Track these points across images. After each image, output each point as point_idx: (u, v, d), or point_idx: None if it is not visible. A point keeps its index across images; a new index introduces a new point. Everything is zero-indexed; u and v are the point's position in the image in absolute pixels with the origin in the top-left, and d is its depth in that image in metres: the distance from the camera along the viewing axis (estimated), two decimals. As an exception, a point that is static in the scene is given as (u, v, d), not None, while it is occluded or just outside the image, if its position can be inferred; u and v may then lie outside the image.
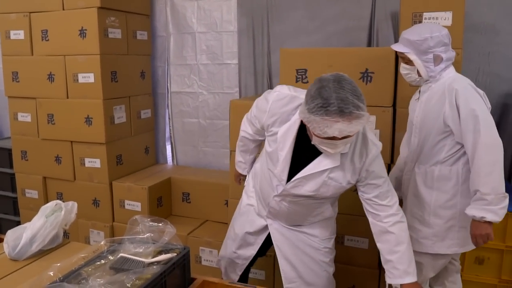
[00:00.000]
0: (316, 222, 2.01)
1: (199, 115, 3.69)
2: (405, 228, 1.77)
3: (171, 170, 3.69)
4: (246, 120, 2.10)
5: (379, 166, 1.75)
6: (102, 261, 1.81)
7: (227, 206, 2.95)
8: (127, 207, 3.29)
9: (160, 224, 1.90)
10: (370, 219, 1.82)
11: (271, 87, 3.43)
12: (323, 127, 1.48)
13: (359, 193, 1.82)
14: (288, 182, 1.78)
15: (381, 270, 2.62)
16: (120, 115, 3.39)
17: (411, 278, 1.73)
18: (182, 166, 3.79)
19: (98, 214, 3.42)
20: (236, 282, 1.98)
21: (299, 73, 2.55)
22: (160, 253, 1.88)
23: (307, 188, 1.77)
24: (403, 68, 2.05)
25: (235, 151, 2.73)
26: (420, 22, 2.37)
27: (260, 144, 2.16)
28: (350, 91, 1.48)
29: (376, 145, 1.73)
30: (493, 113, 2.93)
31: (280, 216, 1.98)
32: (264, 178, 1.97)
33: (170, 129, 3.84)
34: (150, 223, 1.89)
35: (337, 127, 1.46)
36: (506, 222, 2.42)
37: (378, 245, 1.80)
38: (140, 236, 1.89)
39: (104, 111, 3.22)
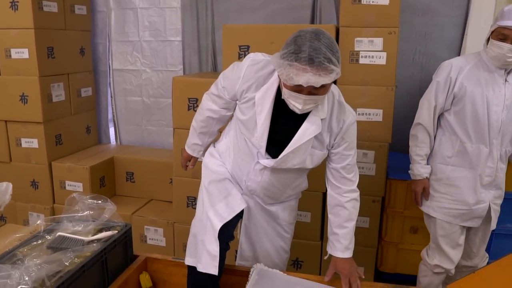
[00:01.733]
0: (290, 199, 1.98)
1: (143, 93, 3.61)
2: (358, 207, 1.82)
3: (114, 149, 3.60)
4: (208, 98, 1.94)
5: (354, 136, 1.76)
6: (39, 241, 1.76)
7: (172, 184, 2.93)
8: (68, 188, 3.19)
9: (100, 202, 1.86)
10: (329, 190, 1.83)
11: (215, 64, 3.40)
12: (290, 73, 1.44)
13: (327, 162, 1.81)
14: (277, 159, 1.72)
15: (322, 243, 2.71)
16: (58, 93, 3.25)
17: (349, 254, 1.81)
18: (126, 146, 3.71)
19: (38, 196, 3.29)
20: (179, 258, 1.98)
21: (241, 50, 2.55)
22: (100, 231, 1.85)
23: (294, 162, 1.73)
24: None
25: (179, 129, 2.71)
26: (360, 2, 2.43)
27: (221, 128, 2.02)
28: (325, 44, 1.44)
29: (352, 113, 1.73)
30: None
31: (258, 191, 1.86)
32: (240, 151, 1.84)
33: (112, 108, 3.73)
34: (89, 200, 1.85)
35: (305, 75, 1.42)
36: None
37: (330, 216, 1.84)
38: (79, 214, 1.85)
39: (41, 88, 3.07)
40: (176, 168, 2.79)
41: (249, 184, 1.85)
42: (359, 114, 2.49)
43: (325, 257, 1.90)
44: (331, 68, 1.44)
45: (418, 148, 2.20)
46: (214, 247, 1.75)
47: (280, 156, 1.71)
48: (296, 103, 1.53)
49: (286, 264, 2.06)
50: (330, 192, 1.83)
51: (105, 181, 3.28)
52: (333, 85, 1.66)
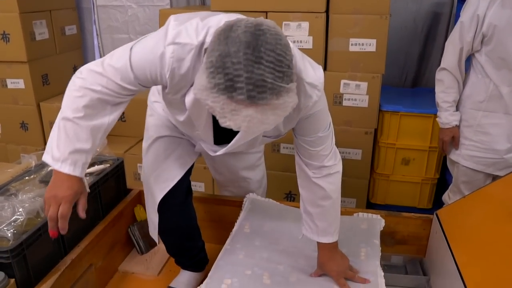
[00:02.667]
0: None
1: (129, 30, 3.49)
2: (336, 181, 1.43)
3: (103, 89, 3.52)
4: (100, 70, 1.22)
5: (320, 108, 1.30)
6: (32, 176, 1.75)
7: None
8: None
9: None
10: (297, 159, 1.44)
11: (203, -2, 3.28)
12: (225, 113, 0.98)
13: (294, 134, 1.41)
14: (218, 152, 1.43)
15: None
16: (41, 31, 3.12)
17: (330, 238, 1.45)
18: (115, 86, 3.63)
19: (28, 138, 3.25)
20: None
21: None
22: (92, 165, 1.84)
23: (243, 148, 1.51)
24: None
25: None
26: None
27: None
28: (270, 64, 0.96)
29: (316, 87, 1.23)
30: (423, 23, 3.03)
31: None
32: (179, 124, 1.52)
33: (99, 46, 3.62)
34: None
35: (246, 113, 0.97)
36: (432, 125, 2.56)
37: (301, 191, 1.47)
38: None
39: (22, 26, 2.95)
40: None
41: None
42: (351, 44, 2.43)
43: (300, 237, 1.57)
44: (280, 104, 0.98)
45: (445, 94, 2.05)
46: (154, 217, 1.61)
47: (220, 151, 1.41)
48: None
49: (264, 192, 1.99)
50: (298, 161, 1.44)
51: (96, 121, 3.24)
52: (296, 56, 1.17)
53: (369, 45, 2.42)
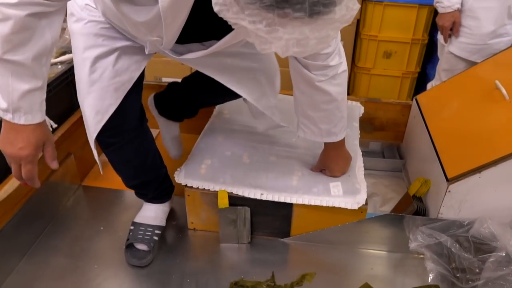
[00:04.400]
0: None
1: None
2: (343, 82, 1.22)
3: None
4: None
5: None
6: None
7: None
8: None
9: (58, 22, 1.73)
10: (292, 63, 1.20)
11: None
12: (268, 37, 0.73)
13: None
14: (188, 55, 1.14)
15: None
16: None
17: (335, 138, 1.32)
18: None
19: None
20: (148, 81, 1.90)
21: None
22: (63, 54, 1.75)
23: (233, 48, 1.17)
24: None
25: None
26: None
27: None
28: None
29: None
30: None
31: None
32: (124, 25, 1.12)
33: None
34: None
35: (300, 33, 0.71)
36: (416, 16, 2.49)
37: (299, 96, 1.27)
38: (37, 36, 1.72)
39: None
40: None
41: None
42: None
43: (294, 139, 1.46)
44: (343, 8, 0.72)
45: None
46: (94, 152, 1.25)
47: (188, 55, 1.13)
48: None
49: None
50: (292, 63, 1.20)
51: None
52: None
53: None
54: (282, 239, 1.46)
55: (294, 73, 1.21)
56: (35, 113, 1.00)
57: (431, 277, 1.29)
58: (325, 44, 0.78)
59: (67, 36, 1.73)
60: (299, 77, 1.20)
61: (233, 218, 1.39)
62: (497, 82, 1.44)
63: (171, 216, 1.53)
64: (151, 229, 1.41)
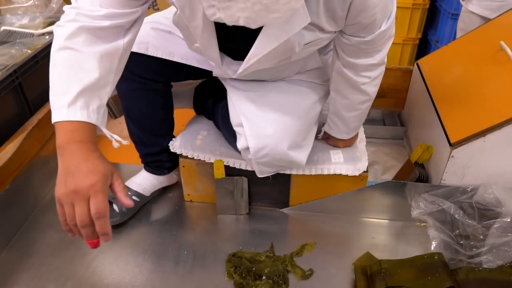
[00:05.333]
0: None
1: None
2: (380, 82, 1.20)
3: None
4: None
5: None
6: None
7: None
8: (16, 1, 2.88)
9: (44, -10, 1.66)
10: (336, 65, 1.14)
11: None
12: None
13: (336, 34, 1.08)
14: (239, 70, 1.08)
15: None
16: None
17: (347, 135, 1.33)
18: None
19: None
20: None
21: None
22: (51, 24, 1.69)
23: (269, 65, 1.07)
24: None
25: None
26: None
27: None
28: None
29: None
30: None
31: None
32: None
33: None
34: (30, -12, 1.64)
35: None
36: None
37: (338, 98, 1.23)
38: (22, 5, 1.66)
39: None
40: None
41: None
42: None
43: (319, 135, 1.39)
44: None
45: None
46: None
47: (239, 72, 1.08)
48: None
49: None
50: (337, 65, 1.15)
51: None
52: None
53: None
54: (280, 209, 1.43)
55: (337, 76, 1.17)
56: (92, 113, 0.84)
57: (434, 245, 1.26)
58: (279, 16, 0.70)
59: (54, 5, 1.66)
60: (342, 80, 1.16)
61: (230, 188, 1.35)
62: (502, 43, 1.38)
63: (167, 188, 1.50)
64: (130, 194, 1.37)
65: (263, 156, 1.16)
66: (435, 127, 1.39)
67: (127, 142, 0.93)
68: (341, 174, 1.29)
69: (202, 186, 1.41)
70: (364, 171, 1.29)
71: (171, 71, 1.25)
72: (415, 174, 1.38)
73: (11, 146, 1.31)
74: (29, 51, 1.50)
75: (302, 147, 1.22)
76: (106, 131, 0.88)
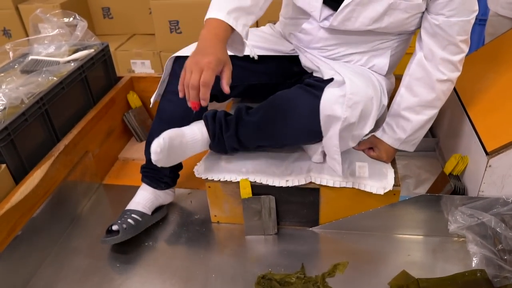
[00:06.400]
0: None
1: None
2: (449, 92, 1.26)
3: (85, -14, 3.29)
4: None
5: None
6: (11, 68, 1.64)
7: (151, 14, 2.71)
8: (43, 31, 2.97)
9: (69, 19, 1.70)
10: (418, 55, 1.22)
11: None
12: None
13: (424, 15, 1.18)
14: (335, 15, 1.19)
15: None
16: None
17: (410, 148, 1.34)
18: (97, -19, 3.38)
19: (14, 45, 3.10)
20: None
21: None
22: (76, 52, 1.72)
23: (364, 21, 1.18)
24: None
25: None
26: None
27: None
28: None
29: None
30: None
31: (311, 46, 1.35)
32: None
33: None
34: (55, 18, 1.68)
35: None
36: None
37: (402, 90, 1.28)
38: (48, 35, 1.70)
39: None
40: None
41: (299, 36, 1.36)
42: None
43: (365, 136, 1.35)
44: None
45: None
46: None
47: (338, 11, 1.18)
48: None
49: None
50: (419, 58, 1.23)
51: (81, 20, 3.05)
52: None
53: None
54: (310, 228, 1.38)
55: (415, 67, 1.24)
56: (239, 25, 1.07)
57: (475, 261, 1.19)
58: None
59: (78, 33, 1.69)
60: (419, 71, 1.23)
61: (258, 208, 1.32)
62: (536, 45, 1.31)
63: (194, 210, 1.47)
64: (128, 213, 1.35)
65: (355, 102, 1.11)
66: (469, 136, 1.33)
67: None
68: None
69: (229, 207, 1.38)
70: (390, 190, 1.23)
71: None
72: (451, 186, 1.32)
73: (39, 172, 1.31)
74: (55, 78, 1.52)
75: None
76: (246, 43, 1.10)
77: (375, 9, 1.15)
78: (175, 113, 1.31)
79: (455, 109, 1.49)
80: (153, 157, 1.17)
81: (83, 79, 1.62)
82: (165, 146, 1.17)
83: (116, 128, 1.78)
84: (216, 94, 1.34)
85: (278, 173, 1.29)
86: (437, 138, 1.68)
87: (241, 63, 1.24)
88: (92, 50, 1.71)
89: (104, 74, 1.77)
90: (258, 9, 1.14)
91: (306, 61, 1.37)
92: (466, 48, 1.19)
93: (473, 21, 1.14)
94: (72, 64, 1.64)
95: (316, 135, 1.17)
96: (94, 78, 1.68)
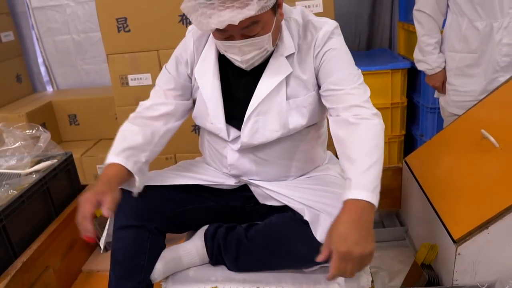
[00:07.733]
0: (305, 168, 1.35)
1: (71, 30, 3.31)
2: (378, 129, 1.16)
3: (52, 95, 3.34)
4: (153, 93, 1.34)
5: (338, 47, 1.19)
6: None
7: (117, 119, 2.76)
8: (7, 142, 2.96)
9: (31, 131, 1.70)
10: (330, 121, 1.19)
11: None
12: (199, 17, 1.05)
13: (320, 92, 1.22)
14: (242, 127, 1.22)
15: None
16: (-26, 41, 2.93)
17: (363, 194, 1.01)
18: (64, 90, 3.45)
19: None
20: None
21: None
22: (38, 163, 1.70)
23: (271, 127, 1.21)
24: None
25: (112, 54, 2.50)
26: None
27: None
28: None
29: (327, 22, 1.20)
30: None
31: (248, 173, 1.31)
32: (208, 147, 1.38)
33: (41, 52, 3.42)
34: (18, 131, 1.68)
35: (215, 14, 1.03)
36: (391, 81, 2.52)
37: (339, 143, 1.14)
38: (10, 147, 1.69)
39: (-48, 37, 2.76)
40: (117, 98, 2.61)
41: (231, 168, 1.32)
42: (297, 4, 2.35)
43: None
44: None
45: (427, 37, 1.88)
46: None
47: (244, 123, 1.21)
48: (235, 56, 1.14)
49: None
50: (331, 120, 1.19)
51: (47, 128, 3.05)
52: (294, 10, 1.24)
53: (315, 6, 2.35)
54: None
55: (334, 126, 1.16)
56: (129, 162, 1.18)
57: None
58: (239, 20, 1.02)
59: (41, 144, 1.69)
60: (338, 124, 1.14)
61: (229, 317, 1.25)
62: (483, 131, 1.39)
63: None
64: None
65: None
66: (435, 224, 1.34)
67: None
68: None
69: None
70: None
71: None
72: (424, 277, 1.30)
73: (-7, 295, 1.23)
74: (15, 191, 1.49)
75: None
76: (136, 178, 1.19)
77: (276, 112, 1.19)
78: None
79: (418, 197, 1.52)
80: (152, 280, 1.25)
81: (45, 190, 1.58)
82: (160, 275, 1.25)
83: (80, 239, 1.71)
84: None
85: (249, 279, 1.25)
86: (406, 226, 1.70)
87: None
88: (55, 161, 1.70)
89: (68, 184, 1.75)
90: (153, 146, 1.26)
91: (257, 193, 1.32)
92: (360, 78, 1.18)
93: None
94: (34, 175, 1.62)
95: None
96: (56, 189, 1.65)
